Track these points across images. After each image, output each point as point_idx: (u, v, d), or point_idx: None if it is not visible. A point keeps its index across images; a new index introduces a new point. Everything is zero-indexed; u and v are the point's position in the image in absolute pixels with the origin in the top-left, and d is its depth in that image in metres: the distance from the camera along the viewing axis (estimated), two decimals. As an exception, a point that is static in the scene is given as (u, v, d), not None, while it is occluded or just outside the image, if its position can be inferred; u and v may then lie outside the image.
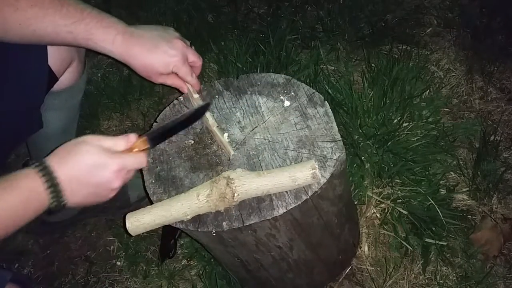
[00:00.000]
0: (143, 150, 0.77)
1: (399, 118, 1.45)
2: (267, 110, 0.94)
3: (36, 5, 0.78)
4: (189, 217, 0.81)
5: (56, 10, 0.79)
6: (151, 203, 0.86)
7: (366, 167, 1.37)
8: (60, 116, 1.18)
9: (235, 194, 0.78)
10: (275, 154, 0.87)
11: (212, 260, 1.34)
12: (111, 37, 0.83)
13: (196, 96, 0.94)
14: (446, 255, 1.26)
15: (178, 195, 0.82)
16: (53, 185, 0.68)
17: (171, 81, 0.91)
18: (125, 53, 0.85)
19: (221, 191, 0.79)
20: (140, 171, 0.91)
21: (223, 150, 0.90)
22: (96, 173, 0.71)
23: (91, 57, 1.93)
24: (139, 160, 0.76)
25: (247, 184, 0.79)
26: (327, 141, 0.87)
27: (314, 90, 0.95)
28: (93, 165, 0.71)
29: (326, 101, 0.92)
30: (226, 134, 0.91)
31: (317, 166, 0.79)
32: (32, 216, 0.68)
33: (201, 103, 0.91)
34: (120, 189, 0.75)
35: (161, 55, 0.86)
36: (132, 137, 0.77)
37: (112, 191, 0.75)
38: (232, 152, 0.88)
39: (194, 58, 0.91)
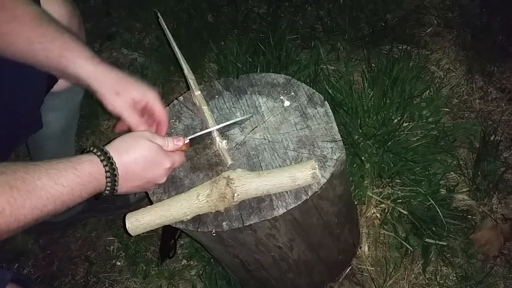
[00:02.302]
0: (183, 150, 0.86)
1: (399, 118, 1.45)
2: (267, 110, 0.94)
3: (15, 21, 0.78)
4: (189, 217, 0.81)
5: (33, 28, 0.79)
6: (151, 203, 0.86)
7: (366, 167, 1.37)
8: (60, 117, 1.18)
9: (235, 194, 0.78)
10: (275, 154, 0.87)
11: (212, 260, 1.34)
12: (88, 54, 0.81)
13: (197, 93, 0.94)
14: (446, 255, 1.26)
15: (178, 195, 0.82)
16: (113, 175, 0.73)
17: (132, 116, 0.85)
18: (99, 71, 0.82)
19: (221, 191, 0.79)
20: None
21: (222, 157, 0.90)
22: (152, 168, 0.78)
23: (91, 57, 1.93)
24: (182, 159, 0.85)
25: (247, 184, 0.79)
26: (327, 141, 0.87)
27: (314, 90, 0.94)
28: (152, 161, 0.77)
29: (326, 101, 0.92)
30: (225, 141, 0.91)
31: (317, 166, 0.79)
32: (86, 197, 0.72)
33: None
34: None
35: (137, 87, 0.84)
36: (181, 141, 0.84)
37: (157, 185, 0.83)
38: (230, 162, 0.88)
39: (161, 114, 0.88)
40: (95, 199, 0.78)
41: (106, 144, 0.77)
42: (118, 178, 0.74)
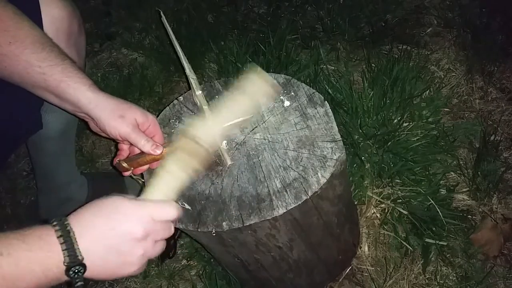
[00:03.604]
0: None
1: (399, 118, 1.45)
2: (267, 110, 0.94)
3: (15, 43, 0.78)
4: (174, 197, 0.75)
5: (34, 51, 0.78)
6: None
7: (366, 167, 1.37)
8: (60, 117, 1.18)
9: (206, 147, 0.74)
10: (275, 154, 0.87)
11: (212, 260, 1.34)
12: (88, 82, 0.81)
13: (199, 93, 0.94)
14: (446, 255, 1.26)
15: (157, 181, 0.73)
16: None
17: (140, 135, 0.82)
18: (100, 98, 0.81)
19: (193, 153, 0.73)
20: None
21: (221, 158, 0.90)
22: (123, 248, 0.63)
23: (91, 57, 1.93)
24: (159, 248, 0.70)
25: (211, 131, 0.75)
26: (327, 141, 0.87)
27: (314, 90, 0.94)
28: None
29: (326, 101, 0.92)
30: (224, 142, 0.91)
31: (276, 83, 0.74)
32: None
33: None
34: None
35: (140, 109, 0.84)
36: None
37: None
38: (229, 162, 0.88)
39: (161, 138, 0.88)
40: None
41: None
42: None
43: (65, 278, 0.59)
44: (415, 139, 1.41)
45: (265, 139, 0.90)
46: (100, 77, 1.84)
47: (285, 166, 0.85)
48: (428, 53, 1.69)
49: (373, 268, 1.28)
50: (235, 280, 1.27)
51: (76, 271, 0.58)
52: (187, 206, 0.85)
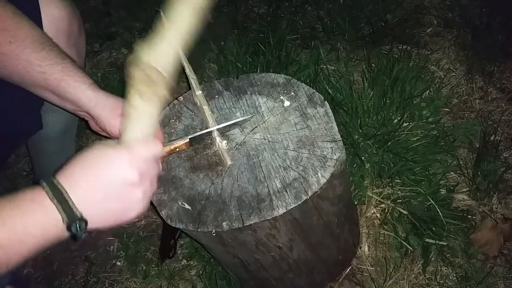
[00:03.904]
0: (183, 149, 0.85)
1: (399, 118, 1.45)
2: (267, 110, 0.94)
3: (15, 43, 0.78)
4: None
5: (34, 51, 0.79)
6: (151, 203, 0.86)
7: (366, 167, 1.37)
8: (60, 117, 1.18)
9: (162, 70, 0.68)
10: (275, 154, 0.87)
11: (212, 260, 1.34)
12: (89, 81, 0.82)
13: (199, 93, 0.94)
14: (446, 255, 1.26)
15: (130, 121, 0.68)
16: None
17: None
18: (100, 96, 0.82)
19: (151, 81, 0.67)
20: None
21: (221, 158, 0.90)
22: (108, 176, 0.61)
23: (91, 57, 1.93)
24: (157, 168, 0.68)
25: (162, 52, 0.68)
26: (327, 141, 0.87)
27: (314, 90, 0.94)
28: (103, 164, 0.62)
29: (326, 101, 0.92)
30: (225, 142, 0.91)
31: None
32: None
33: (204, 102, 0.92)
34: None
35: None
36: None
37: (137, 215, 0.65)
38: (229, 163, 0.88)
39: (161, 136, 0.88)
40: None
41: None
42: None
43: (67, 235, 0.59)
44: (415, 139, 1.41)
45: (265, 139, 0.90)
46: (100, 77, 1.84)
47: (285, 166, 0.85)
48: (428, 53, 1.69)
49: (373, 268, 1.28)
50: (235, 280, 1.27)
51: (78, 226, 0.58)
52: (187, 206, 0.85)
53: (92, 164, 0.61)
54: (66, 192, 0.58)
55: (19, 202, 0.57)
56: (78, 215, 0.58)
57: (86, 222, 0.59)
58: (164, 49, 0.67)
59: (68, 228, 0.58)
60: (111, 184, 0.61)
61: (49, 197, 0.57)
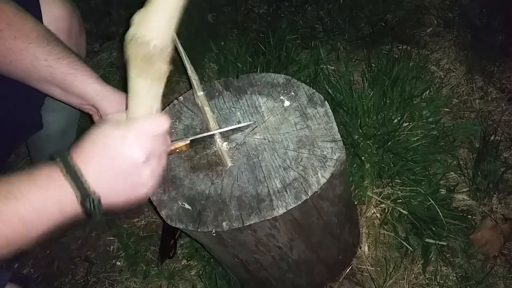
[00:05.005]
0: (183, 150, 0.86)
1: (399, 118, 1.45)
2: (267, 110, 0.94)
3: (20, 38, 0.78)
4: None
5: (39, 45, 0.79)
6: (151, 203, 0.86)
7: (366, 167, 1.37)
8: (60, 118, 1.18)
9: (153, 44, 0.64)
10: (275, 154, 0.87)
11: (212, 260, 1.34)
12: (95, 75, 0.83)
13: (200, 94, 0.94)
14: (446, 255, 1.26)
15: (134, 99, 0.68)
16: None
17: None
18: (106, 91, 0.83)
19: (148, 56, 0.64)
20: None
21: (222, 159, 0.90)
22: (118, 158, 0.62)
23: (91, 57, 1.93)
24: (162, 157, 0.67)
25: (158, 24, 0.63)
26: (327, 141, 0.87)
27: (314, 90, 0.94)
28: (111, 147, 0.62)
29: (326, 101, 0.92)
30: (225, 143, 0.91)
31: None
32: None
33: (206, 103, 0.92)
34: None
35: None
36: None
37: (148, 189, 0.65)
38: (230, 164, 0.88)
39: None
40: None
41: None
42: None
43: (82, 212, 0.60)
44: (415, 139, 1.41)
45: (265, 139, 0.90)
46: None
47: (285, 166, 0.85)
48: (428, 53, 1.69)
49: (373, 268, 1.28)
50: (235, 280, 1.27)
51: (91, 202, 0.59)
52: (187, 206, 0.85)
53: (101, 144, 0.62)
54: (80, 170, 0.59)
55: (36, 177, 0.58)
56: (91, 192, 0.59)
57: (99, 199, 0.59)
58: (159, 19, 0.63)
59: (82, 204, 0.59)
60: (119, 164, 0.61)
61: (63, 174, 0.58)
